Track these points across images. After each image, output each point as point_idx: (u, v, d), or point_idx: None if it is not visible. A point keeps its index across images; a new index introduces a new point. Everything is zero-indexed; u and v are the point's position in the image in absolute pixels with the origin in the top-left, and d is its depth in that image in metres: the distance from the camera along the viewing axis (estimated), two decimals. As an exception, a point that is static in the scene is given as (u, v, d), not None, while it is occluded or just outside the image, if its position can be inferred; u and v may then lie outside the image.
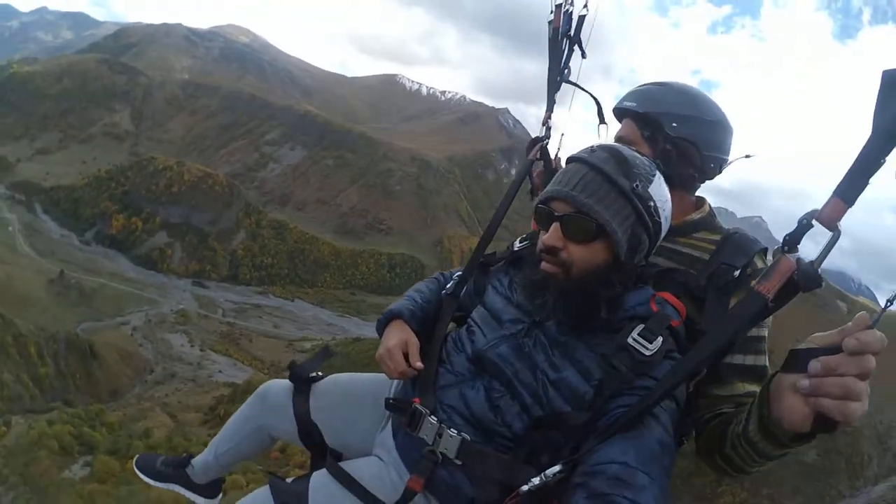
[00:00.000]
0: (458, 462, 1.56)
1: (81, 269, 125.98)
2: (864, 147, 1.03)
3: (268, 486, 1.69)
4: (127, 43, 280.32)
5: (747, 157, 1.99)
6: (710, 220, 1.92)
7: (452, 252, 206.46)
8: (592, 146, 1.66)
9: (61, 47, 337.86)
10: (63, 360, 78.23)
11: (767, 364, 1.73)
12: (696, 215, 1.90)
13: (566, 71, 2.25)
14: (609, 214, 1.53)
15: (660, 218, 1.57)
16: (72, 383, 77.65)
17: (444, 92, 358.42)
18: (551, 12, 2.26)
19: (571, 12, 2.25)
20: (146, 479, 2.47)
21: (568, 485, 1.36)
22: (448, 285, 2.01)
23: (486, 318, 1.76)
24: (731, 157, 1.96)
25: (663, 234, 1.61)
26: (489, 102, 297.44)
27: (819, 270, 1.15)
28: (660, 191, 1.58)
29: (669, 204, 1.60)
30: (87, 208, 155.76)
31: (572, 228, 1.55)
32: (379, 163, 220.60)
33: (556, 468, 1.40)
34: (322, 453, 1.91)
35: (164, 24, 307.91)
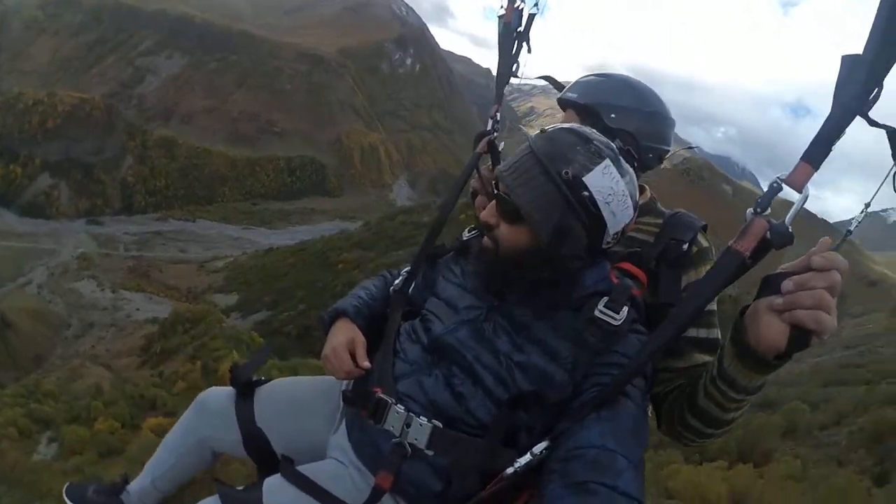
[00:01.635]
0: (430, 452, 1.50)
1: None
2: (828, 120, 1.12)
3: (216, 496, 1.56)
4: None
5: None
6: (652, 206, 1.96)
7: (352, 149, 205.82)
8: (544, 128, 1.63)
9: None
10: None
11: (720, 337, 1.76)
12: (639, 201, 1.75)
13: (515, 66, 2.28)
14: (528, 199, 1.51)
15: (598, 209, 1.49)
16: None
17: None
18: (502, 7, 2.29)
19: (522, 9, 2.27)
20: None
21: (542, 470, 1.35)
22: (396, 281, 1.97)
23: (442, 306, 1.73)
24: (672, 148, 2.01)
25: (612, 225, 1.52)
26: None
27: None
28: (601, 181, 1.49)
29: (622, 197, 1.51)
30: None
31: (501, 208, 1.57)
32: (266, 62, 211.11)
33: (544, 444, 1.38)
34: (269, 465, 1.81)
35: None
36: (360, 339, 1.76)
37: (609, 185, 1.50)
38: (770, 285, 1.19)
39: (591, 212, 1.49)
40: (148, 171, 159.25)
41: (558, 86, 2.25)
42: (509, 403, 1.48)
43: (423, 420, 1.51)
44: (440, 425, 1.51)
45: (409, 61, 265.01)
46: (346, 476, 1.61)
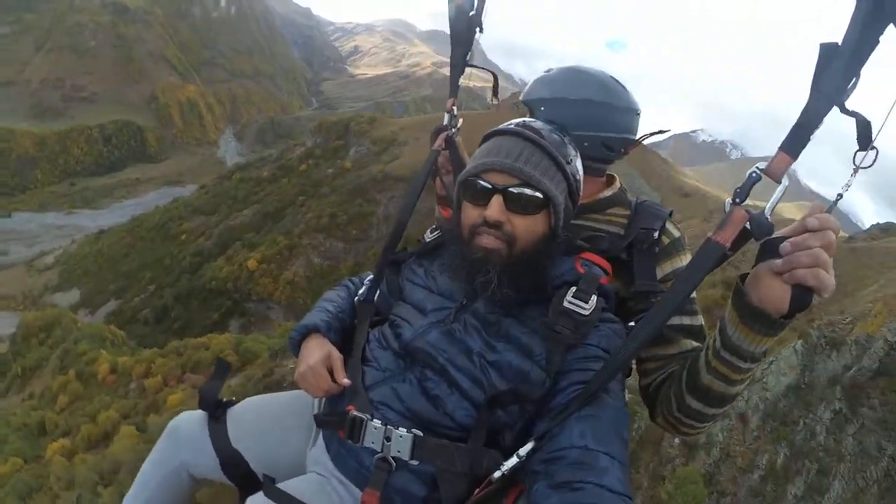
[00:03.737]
0: (415, 463, 1.49)
1: None
2: (806, 108, 1.13)
3: None
4: None
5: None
6: (621, 197, 1.95)
7: (170, 106, 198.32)
8: (515, 121, 1.67)
9: None
10: None
11: (703, 324, 1.76)
12: (608, 192, 1.93)
13: (469, 54, 2.16)
14: (551, 186, 1.55)
15: (579, 189, 1.63)
16: None
17: None
18: None
19: None
20: None
21: (525, 472, 1.35)
22: (360, 291, 1.95)
23: (410, 310, 1.72)
24: (632, 136, 1.96)
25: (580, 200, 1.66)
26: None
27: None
28: (579, 164, 1.64)
29: (581, 175, 1.65)
30: None
31: (518, 201, 1.54)
32: (65, 17, 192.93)
33: (530, 445, 1.37)
34: (249, 485, 1.78)
35: None
36: (337, 355, 1.74)
37: (580, 167, 1.67)
38: (768, 249, 1.21)
39: (578, 192, 1.65)
40: None
41: (496, 91, 2.31)
42: (487, 404, 1.47)
43: (403, 431, 1.49)
44: (420, 434, 1.49)
45: (222, 3, 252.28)
46: (330, 489, 1.60)
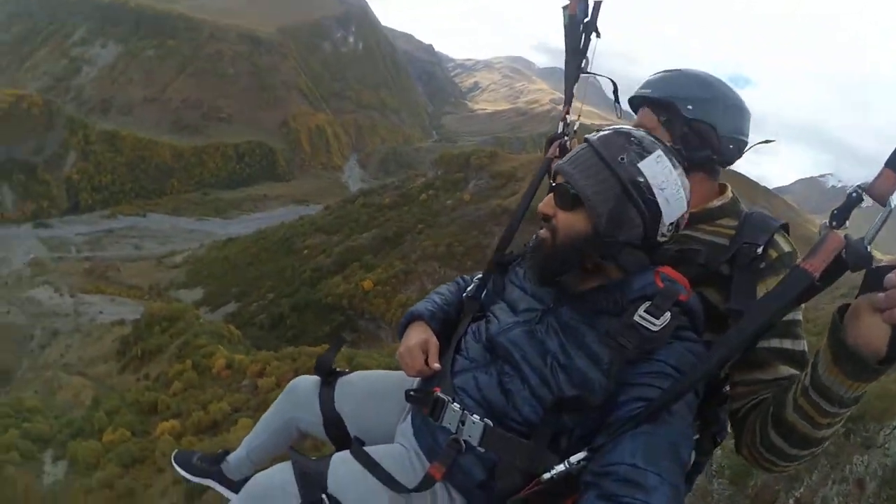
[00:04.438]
0: (481, 449, 1.59)
1: None
2: None
3: (290, 461, 1.72)
4: None
5: (767, 142, 2.03)
6: (733, 207, 1.88)
7: (300, 132, 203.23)
8: (600, 127, 1.69)
9: None
10: None
11: (807, 350, 1.65)
12: (717, 202, 1.87)
13: (584, 62, 2.19)
14: (586, 183, 1.56)
15: (653, 195, 1.54)
16: None
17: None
18: None
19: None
20: (183, 474, 2.59)
21: (579, 482, 1.39)
22: (469, 288, 2.09)
23: (504, 308, 1.82)
24: (750, 142, 1.92)
25: (667, 214, 1.56)
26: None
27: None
28: (655, 168, 1.55)
29: (675, 187, 1.56)
30: None
31: (558, 196, 1.62)
32: (206, 45, 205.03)
33: (581, 455, 1.42)
34: (344, 446, 1.89)
35: None
36: (434, 342, 1.87)
37: (663, 172, 1.55)
38: (874, 279, 1.10)
39: (646, 198, 1.54)
40: (93, 168, 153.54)
41: (617, 96, 2.26)
42: (553, 407, 1.52)
43: (476, 418, 1.60)
44: (491, 424, 1.59)
45: (351, 39, 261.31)
46: (407, 459, 1.72)
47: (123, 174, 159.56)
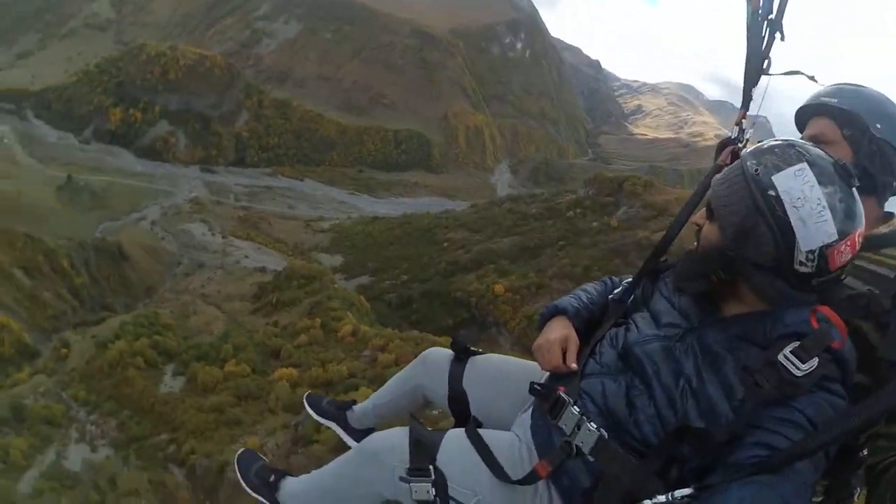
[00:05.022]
0: (591, 458, 1.55)
1: (87, 169, 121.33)
2: None
3: (407, 427, 1.78)
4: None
5: None
6: None
7: (458, 129, 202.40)
8: (759, 144, 1.59)
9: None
10: (95, 266, 79.24)
11: None
12: (884, 229, 1.74)
13: (766, 62, 1.99)
14: (721, 194, 1.50)
15: (784, 213, 1.39)
16: (107, 287, 79.18)
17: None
18: None
19: None
20: (311, 413, 2.72)
21: None
22: (616, 290, 2.05)
23: (646, 318, 1.77)
24: None
25: (802, 237, 1.39)
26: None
27: None
28: (791, 183, 1.39)
29: (818, 207, 1.37)
30: (81, 106, 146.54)
31: (706, 205, 1.59)
32: (379, 35, 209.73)
33: (687, 491, 1.35)
34: (462, 421, 1.99)
35: None
36: (574, 339, 1.84)
37: (800, 188, 1.40)
38: None
39: (776, 214, 1.40)
40: (262, 129, 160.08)
41: (811, 77, 2.02)
42: (675, 432, 1.46)
43: (592, 426, 1.56)
44: (606, 436, 1.55)
45: (519, 46, 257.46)
46: (517, 451, 1.73)
47: (289, 140, 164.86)
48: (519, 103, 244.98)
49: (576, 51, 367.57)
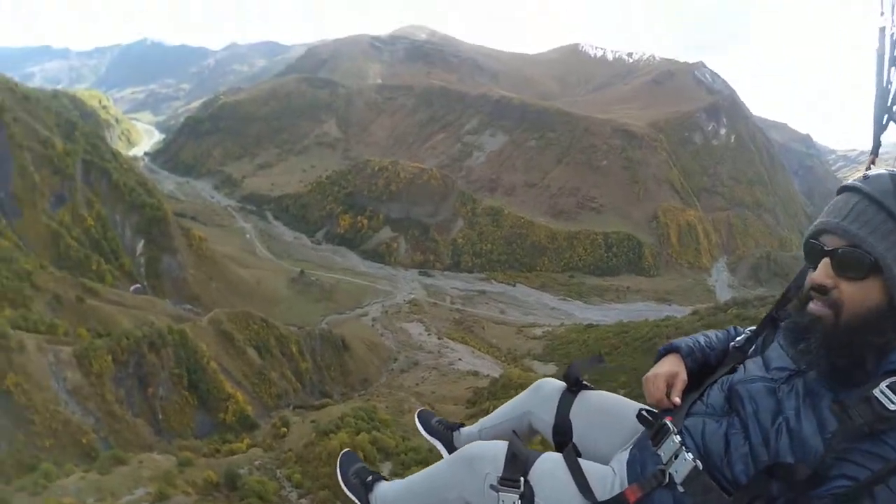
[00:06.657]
0: (681, 489, 1.55)
1: (317, 266, 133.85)
2: None
3: (507, 442, 1.82)
4: (318, 60, 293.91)
5: None
6: None
7: (669, 227, 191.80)
8: (866, 173, 1.49)
9: (258, 74, 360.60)
10: (319, 354, 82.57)
11: None
12: None
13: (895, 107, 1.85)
14: (884, 247, 1.37)
15: None
16: (328, 375, 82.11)
17: (631, 54, 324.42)
18: (882, 13, 1.86)
19: (895, 34, 1.84)
20: (420, 429, 2.82)
21: None
22: (738, 338, 2.04)
23: (757, 362, 1.78)
24: None
25: None
26: (680, 58, 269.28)
27: None
28: None
29: None
30: (315, 211, 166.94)
31: (844, 263, 1.41)
32: (581, 138, 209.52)
33: None
34: (563, 451, 1.98)
35: (349, 37, 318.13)
36: (682, 377, 1.88)
37: None
38: None
39: None
40: (476, 236, 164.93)
41: None
42: (766, 470, 1.45)
43: (689, 456, 1.57)
44: (700, 467, 1.55)
45: (722, 131, 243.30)
46: (609, 481, 1.77)
47: (501, 246, 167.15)
48: (730, 194, 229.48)
49: (782, 127, 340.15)
